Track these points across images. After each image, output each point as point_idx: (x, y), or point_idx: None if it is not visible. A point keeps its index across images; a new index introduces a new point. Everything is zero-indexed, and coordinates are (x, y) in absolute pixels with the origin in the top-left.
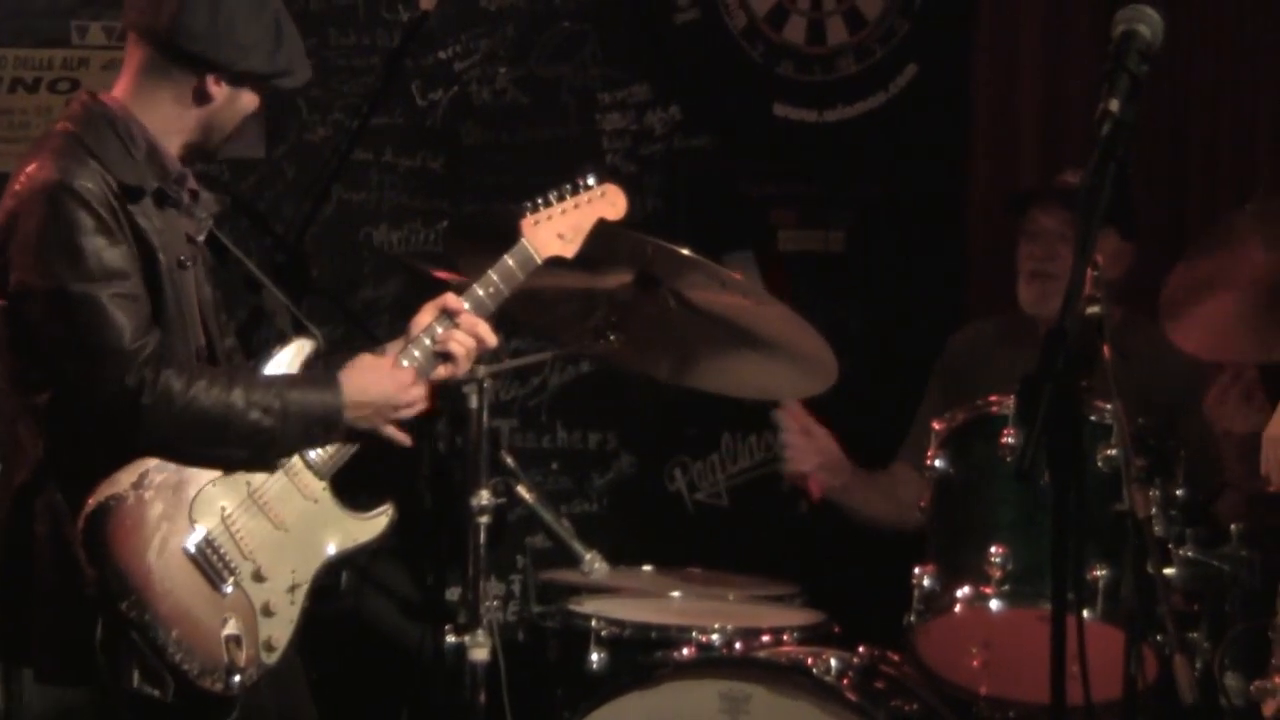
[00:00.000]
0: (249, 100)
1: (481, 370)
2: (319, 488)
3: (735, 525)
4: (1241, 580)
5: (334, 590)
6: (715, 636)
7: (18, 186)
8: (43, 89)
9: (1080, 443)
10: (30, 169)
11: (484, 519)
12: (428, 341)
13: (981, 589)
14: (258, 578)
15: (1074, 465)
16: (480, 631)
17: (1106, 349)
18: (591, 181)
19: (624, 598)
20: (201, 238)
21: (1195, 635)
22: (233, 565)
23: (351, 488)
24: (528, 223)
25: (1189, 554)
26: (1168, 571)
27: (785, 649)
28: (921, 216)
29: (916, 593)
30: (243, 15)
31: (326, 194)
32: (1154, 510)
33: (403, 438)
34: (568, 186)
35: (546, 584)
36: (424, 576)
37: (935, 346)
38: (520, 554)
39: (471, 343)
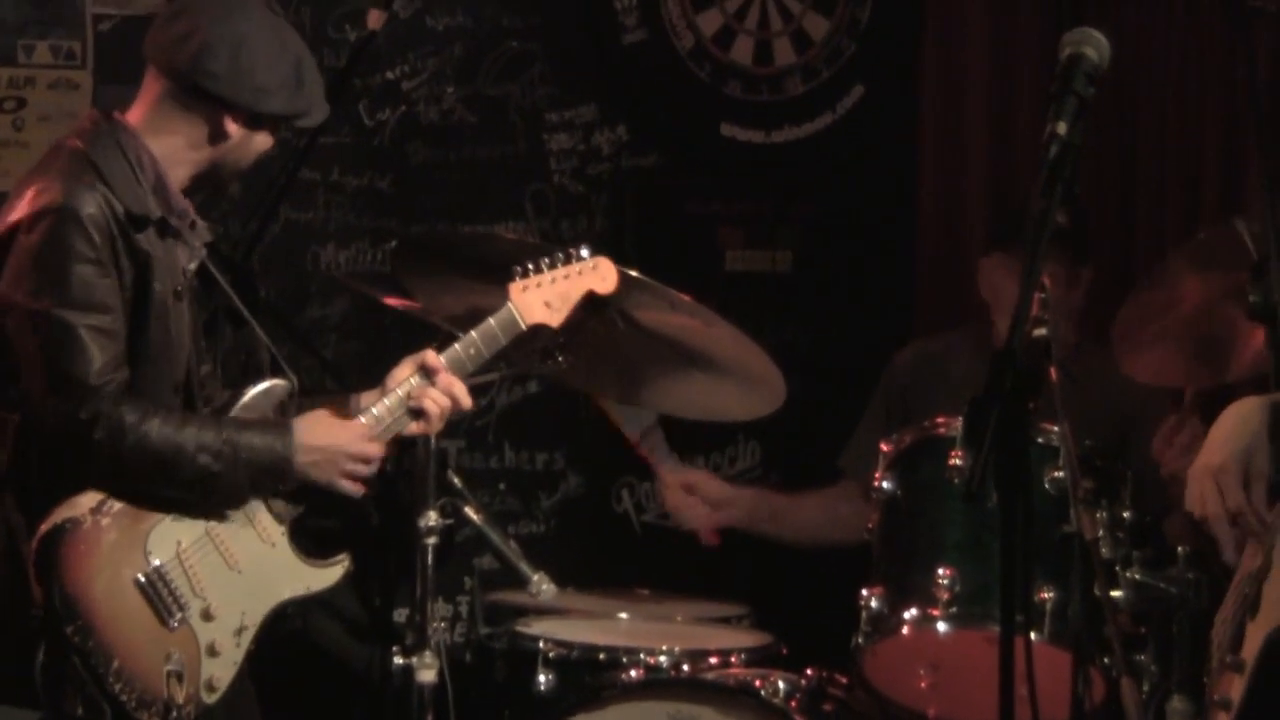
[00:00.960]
0: (263, 140)
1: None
2: (278, 532)
3: (683, 546)
4: (1188, 602)
5: (282, 612)
6: (663, 658)
7: (22, 202)
8: None
9: (1028, 465)
10: (37, 186)
11: (431, 540)
12: (401, 394)
13: (929, 611)
14: (206, 616)
15: (1022, 487)
16: (428, 653)
17: (1053, 371)
18: (585, 253)
19: (572, 619)
20: (193, 266)
21: (1142, 657)
22: (182, 601)
23: (297, 505)
24: (515, 287)
25: (1136, 576)
26: (1115, 593)
27: (733, 671)
28: (869, 237)
29: (864, 614)
30: (264, 58)
31: (274, 213)
32: (1101, 532)
33: (355, 489)
34: (560, 255)
35: (494, 605)
36: (371, 597)
37: (882, 366)
38: (468, 575)
39: (446, 402)
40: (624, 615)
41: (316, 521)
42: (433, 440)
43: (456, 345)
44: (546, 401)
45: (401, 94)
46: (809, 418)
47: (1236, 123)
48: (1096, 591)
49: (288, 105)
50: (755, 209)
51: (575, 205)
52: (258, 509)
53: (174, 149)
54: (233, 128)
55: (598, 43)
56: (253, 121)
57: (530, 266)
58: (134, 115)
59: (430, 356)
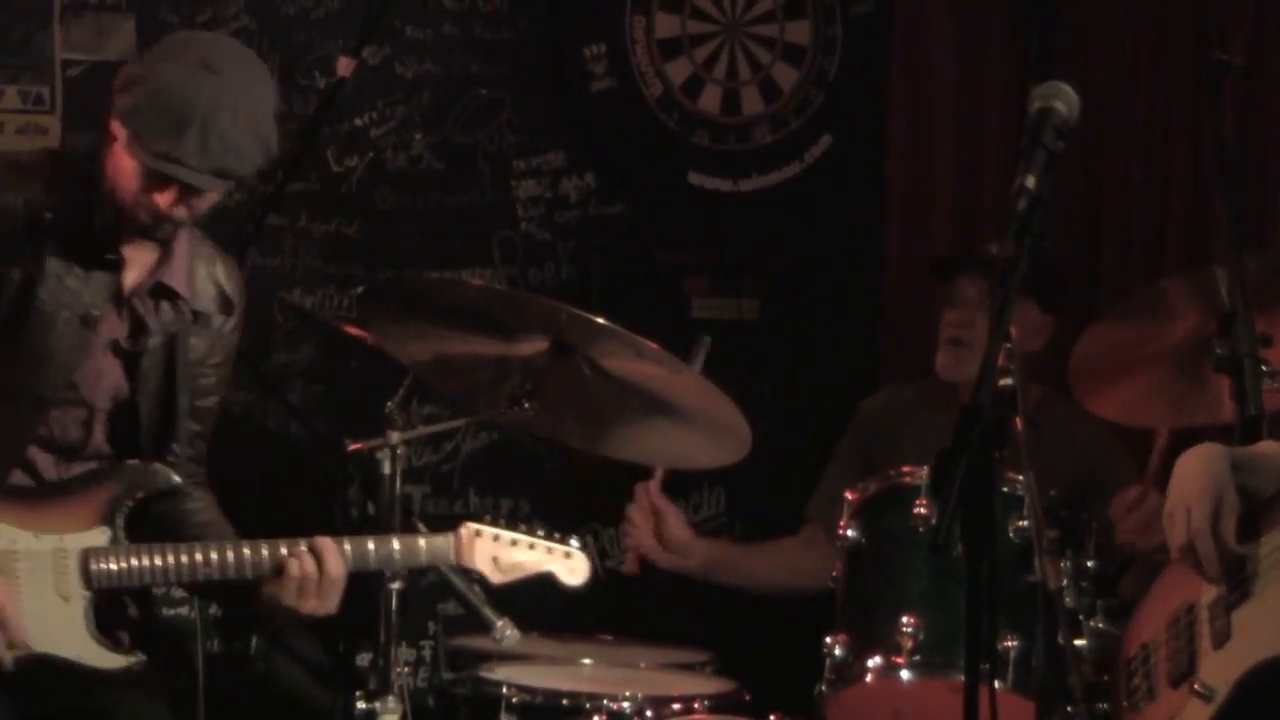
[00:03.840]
0: (130, 167)
1: (395, 437)
2: (79, 592)
3: (646, 592)
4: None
5: (244, 656)
6: (626, 704)
7: None
8: None
9: (994, 517)
10: None
11: (395, 585)
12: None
13: (893, 659)
14: None
15: (988, 538)
16: (391, 698)
17: (1019, 421)
18: (572, 543)
19: (535, 664)
20: (154, 342)
21: (1105, 706)
22: None
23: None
24: (469, 529)
25: (1100, 625)
26: (1078, 642)
27: (696, 717)
28: (835, 285)
29: (828, 662)
30: (161, 94)
31: (241, 259)
32: (1065, 581)
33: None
34: (540, 531)
35: (457, 650)
36: (335, 642)
37: (848, 414)
38: (431, 620)
39: (311, 570)
40: (587, 661)
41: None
42: (398, 485)
43: (370, 541)
44: (511, 447)
45: (370, 140)
46: (774, 466)
47: (1202, 176)
48: (1060, 640)
49: (153, 136)
50: (722, 257)
51: (543, 252)
52: (71, 558)
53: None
54: (116, 128)
55: (566, 90)
56: (128, 140)
57: (503, 521)
58: None
59: (321, 540)
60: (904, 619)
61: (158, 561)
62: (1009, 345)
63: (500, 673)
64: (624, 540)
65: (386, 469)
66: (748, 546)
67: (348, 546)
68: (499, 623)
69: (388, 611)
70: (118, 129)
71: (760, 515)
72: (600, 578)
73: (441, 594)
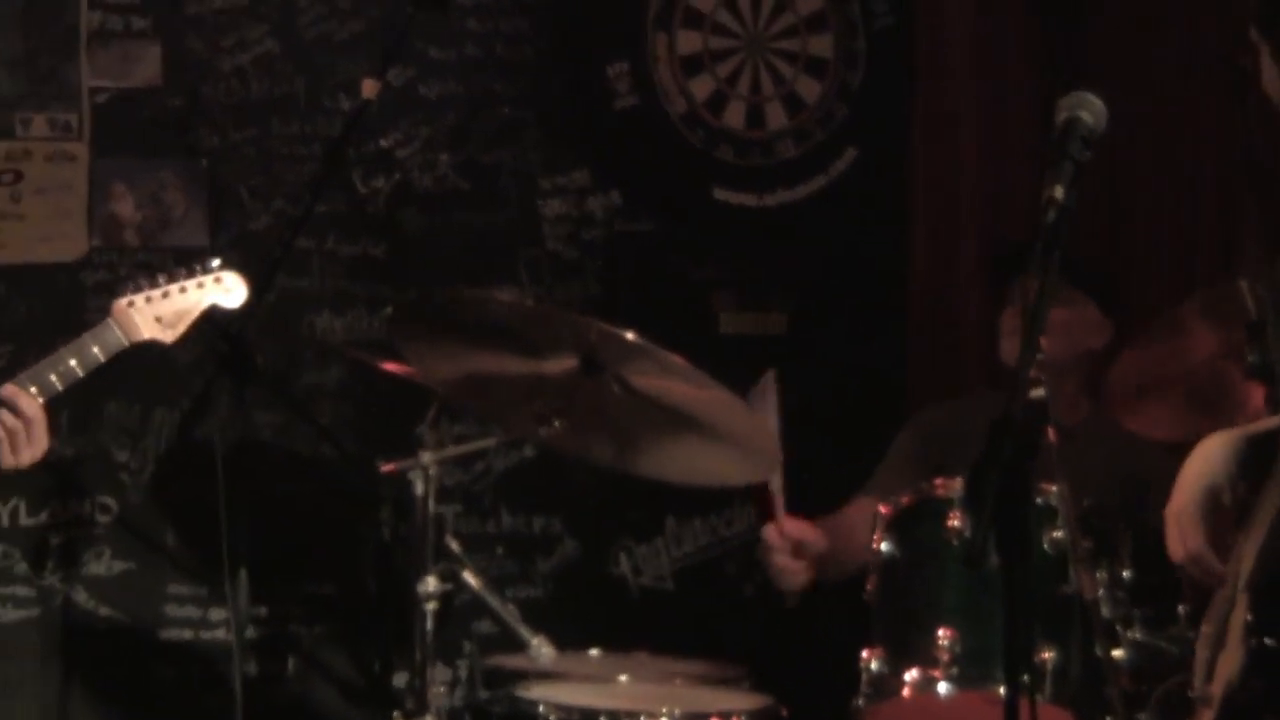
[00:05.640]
0: None
1: (426, 457)
2: None
3: (681, 608)
4: (1190, 661)
5: (281, 677)
6: None
7: None
8: None
9: (1028, 529)
10: None
11: (430, 605)
12: None
13: (930, 672)
14: None
15: (1022, 550)
16: (427, 717)
17: (1051, 431)
18: (212, 264)
19: (571, 682)
20: None
21: (1143, 716)
22: None
23: (296, 572)
24: (121, 304)
25: (1137, 636)
26: (1116, 653)
27: None
28: (862, 298)
29: (864, 676)
30: None
31: (269, 282)
32: (1101, 592)
33: None
34: (182, 270)
35: (493, 669)
36: (371, 662)
37: (876, 427)
38: (466, 639)
39: (13, 422)
40: (624, 678)
41: (314, 587)
42: (430, 506)
43: (44, 363)
44: (543, 466)
45: (395, 162)
46: (803, 479)
47: (1231, 186)
48: (1098, 651)
49: None
50: (748, 272)
51: (569, 270)
52: None
53: None
54: None
55: (590, 109)
56: None
57: (145, 283)
58: None
59: (5, 388)
60: (940, 632)
61: None
62: (1041, 356)
63: (536, 691)
64: (779, 584)
65: (419, 489)
66: (829, 529)
67: (30, 386)
68: (534, 640)
69: (423, 631)
70: None
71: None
72: (633, 586)
73: (477, 613)
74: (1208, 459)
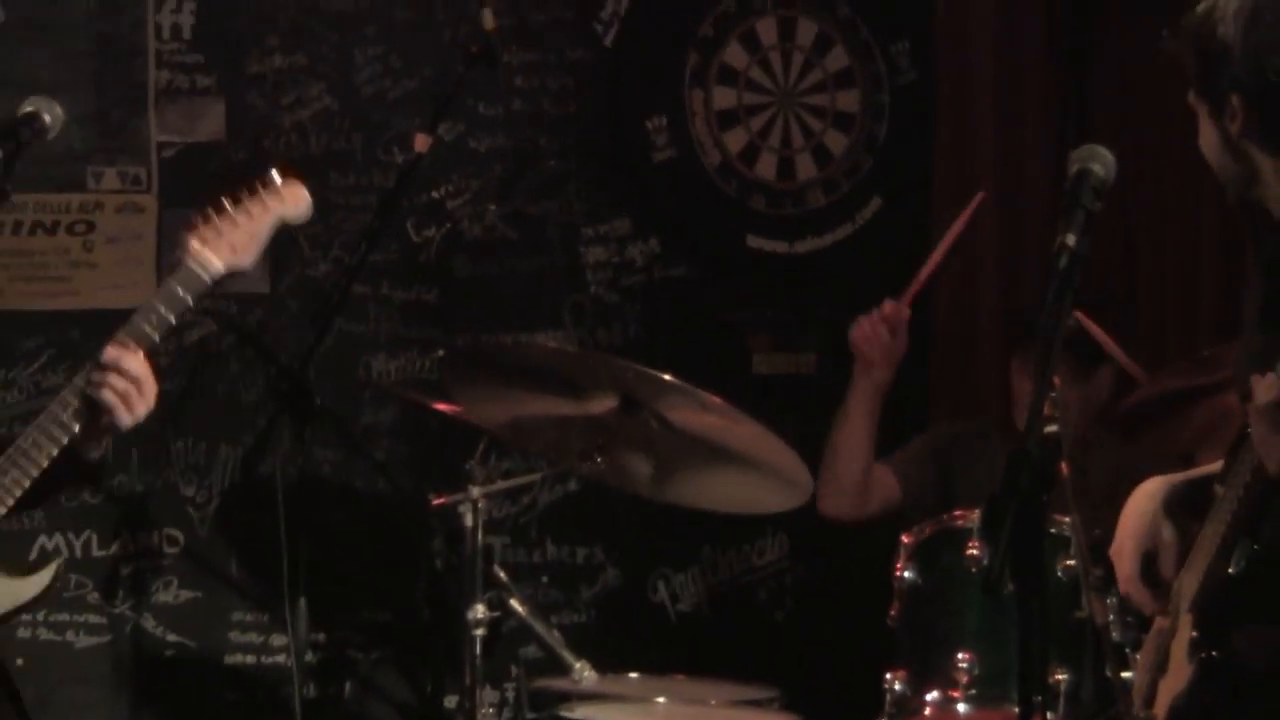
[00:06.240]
0: None
1: (475, 491)
2: None
3: (716, 633)
4: None
5: (339, 699)
6: None
7: None
8: (60, 231)
9: (1043, 558)
10: None
11: (479, 631)
12: (72, 399)
13: (949, 693)
14: None
15: (1037, 578)
16: None
17: (1064, 465)
18: (273, 178)
19: (612, 704)
20: None
21: None
22: None
23: (353, 600)
24: (195, 241)
25: None
26: (1125, 675)
27: None
28: None
29: (888, 696)
30: None
31: (328, 326)
32: (1111, 617)
33: None
34: (244, 190)
35: (539, 691)
36: (423, 685)
37: None
38: (514, 663)
39: (123, 384)
40: (662, 699)
41: (370, 615)
42: (479, 537)
43: (136, 315)
44: (586, 499)
45: (446, 212)
46: None
47: (1233, 236)
48: (1108, 673)
49: None
50: (780, 315)
51: (611, 314)
52: None
53: None
54: None
55: (630, 161)
56: None
57: (212, 211)
58: None
59: (108, 351)
60: (960, 655)
61: None
62: (1053, 394)
63: (579, 712)
64: (853, 333)
65: (468, 521)
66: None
67: (129, 341)
68: (577, 664)
69: (472, 655)
70: None
71: (821, 558)
72: (671, 613)
73: (523, 638)
74: (1151, 497)
